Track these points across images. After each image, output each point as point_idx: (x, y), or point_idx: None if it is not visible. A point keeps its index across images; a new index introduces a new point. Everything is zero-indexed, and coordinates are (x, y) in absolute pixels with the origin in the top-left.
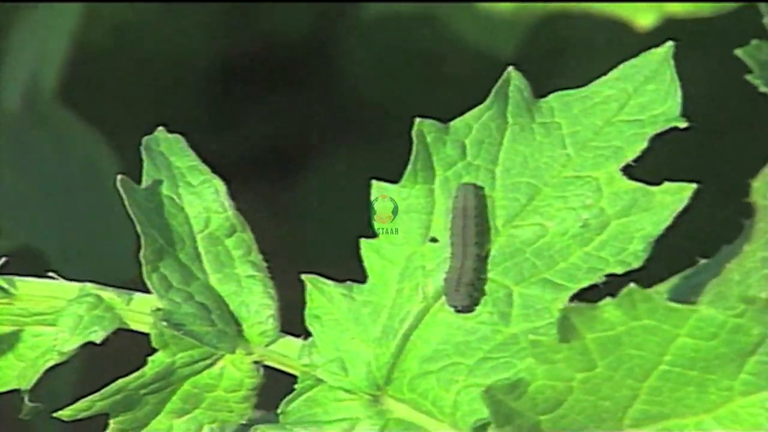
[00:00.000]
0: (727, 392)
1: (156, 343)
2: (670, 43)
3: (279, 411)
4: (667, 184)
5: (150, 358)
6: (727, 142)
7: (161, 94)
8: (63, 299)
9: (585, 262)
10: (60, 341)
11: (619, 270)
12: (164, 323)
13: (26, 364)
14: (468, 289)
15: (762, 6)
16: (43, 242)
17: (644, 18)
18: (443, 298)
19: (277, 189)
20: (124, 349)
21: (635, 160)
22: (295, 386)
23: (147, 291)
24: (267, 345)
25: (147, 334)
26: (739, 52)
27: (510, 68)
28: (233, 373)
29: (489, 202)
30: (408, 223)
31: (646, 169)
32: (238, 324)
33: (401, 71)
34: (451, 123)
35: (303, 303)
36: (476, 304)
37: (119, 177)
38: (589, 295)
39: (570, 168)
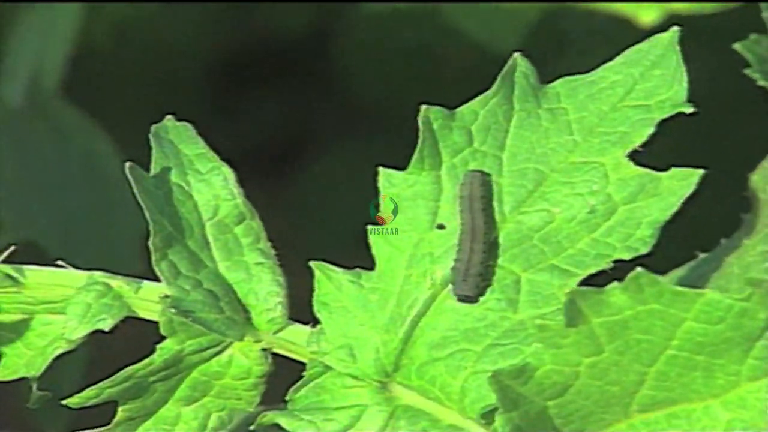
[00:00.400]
0: (734, 377)
1: (164, 330)
2: (675, 28)
3: (287, 398)
4: (674, 170)
5: (158, 346)
6: (727, 137)
7: (161, 90)
8: (72, 287)
9: (592, 248)
10: (68, 329)
11: (627, 256)
12: (173, 310)
13: (35, 352)
14: (476, 280)
15: (763, 3)
16: (45, 237)
17: (647, 15)
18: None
19: (277, 184)
20: (133, 338)
21: (641, 147)
22: (303, 374)
23: (154, 280)
24: (275, 332)
25: (156, 323)
26: (737, 46)
27: (516, 54)
28: (242, 360)
29: (496, 189)
30: (415, 210)
31: (643, 161)
32: (246, 311)
33: (401, 65)
34: (458, 109)
35: (309, 293)
36: (482, 294)
37: (128, 164)
38: (597, 282)
39: (577, 154)
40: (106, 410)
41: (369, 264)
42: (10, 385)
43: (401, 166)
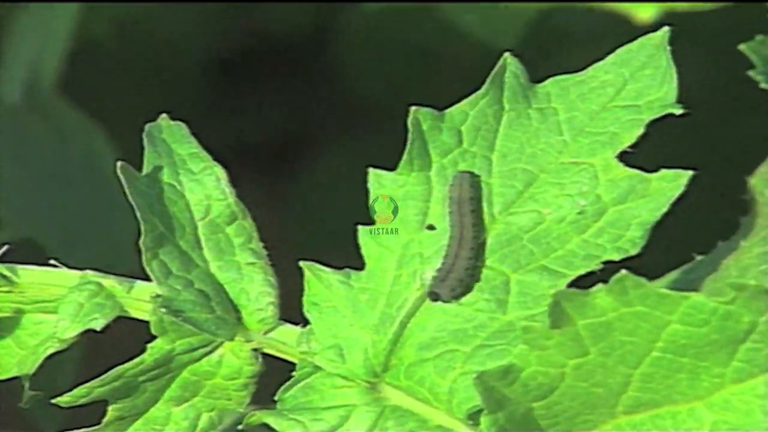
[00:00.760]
0: (719, 379)
1: (155, 330)
2: (666, 29)
3: (276, 398)
4: (663, 171)
5: (149, 345)
6: (725, 138)
7: (160, 88)
8: (64, 287)
9: (582, 249)
10: (60, 329)
11: (617, 257)
12: (163, 310)
13: (27, 351)
14: (454, 283)
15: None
16: (43, 234)
17: (645, 12)
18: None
19: (276, 181)
20: (126, 337)
21: (632, 149)
22: (293, 374)
23: (148, 279)
24: (266, 332)
25: (148, 322)
26: (743, 47)
27: (506, 54)
28: (232, 360)
29: (486, 189)
30: (405, 211)
31: (641, 163)
32: (237, 311)
33: (401, 64)
34: (447, 111)
35: (302, 291)
36: (457, 298)
37: (120, 164)
38: (586, 283)
39: (566, 154)
40: (103, 408)
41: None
42: (10, 385)
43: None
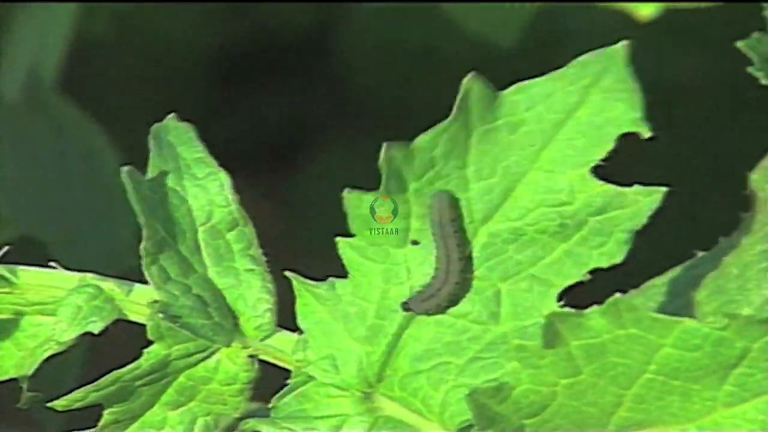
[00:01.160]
0: (711, 403)
1: (152, 335)
2: (626, 42)
3: (270, 405)
4: (637, 187)
5: (146, 350)
6: (726, 134)
7: (160, 85)
8: (63, 289)
9: (568, 256)
10: (58, 331)
11: (604, 263)
12: (161, 315)
13: (25, 353)
14: (431, 304)
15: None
16: (43, 232)
17: (646, 8)
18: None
19: (276, 179)
20: (127, 341)
21: (622, 151)
22: (288, 381)
23: (147, 282)
24: (263, 339)
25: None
26: (740, 44)
27: (470, 75)
28: (228, 366)
29: (465, 205)
30: (386, 227)
31: (641, 162)
32: (234, 317)
33: (402, 63)
34: (417, 139)
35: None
36: (434, 314)
37: (126, 168)
38: (582, 291)
39: (540, 165)
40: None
41: None
42: (11, 385)
43: None
